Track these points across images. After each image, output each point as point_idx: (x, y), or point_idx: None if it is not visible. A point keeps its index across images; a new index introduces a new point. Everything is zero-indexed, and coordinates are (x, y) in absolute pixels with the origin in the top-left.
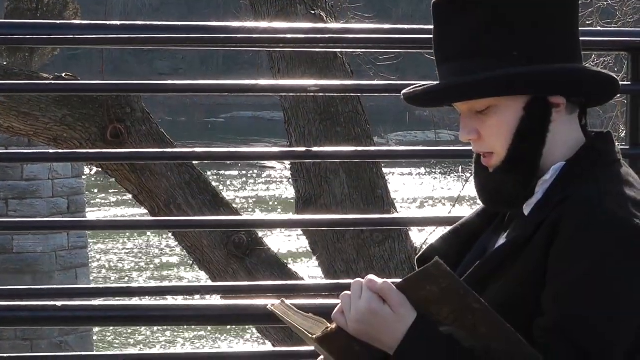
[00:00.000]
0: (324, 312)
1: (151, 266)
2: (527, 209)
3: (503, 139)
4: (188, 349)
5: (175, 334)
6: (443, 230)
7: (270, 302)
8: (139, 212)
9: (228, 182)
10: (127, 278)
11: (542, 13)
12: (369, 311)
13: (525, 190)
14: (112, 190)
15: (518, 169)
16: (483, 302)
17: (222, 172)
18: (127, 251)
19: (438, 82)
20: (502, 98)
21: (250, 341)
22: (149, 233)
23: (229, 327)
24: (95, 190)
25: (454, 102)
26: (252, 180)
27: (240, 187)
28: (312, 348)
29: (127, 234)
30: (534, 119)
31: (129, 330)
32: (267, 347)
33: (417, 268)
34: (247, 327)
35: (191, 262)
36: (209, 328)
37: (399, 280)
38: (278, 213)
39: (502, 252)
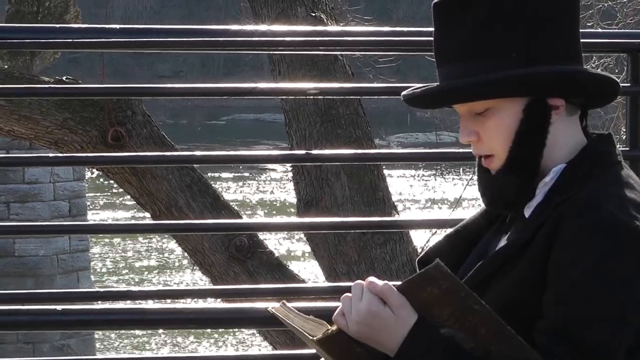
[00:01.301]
0: (325, 315)
1: (152, 269)
2: (527, 211)
3: (502, 140)
4: (188, 352)
5: (146, 338)
6: (444, 232)
7: (271, 305)
8: (140, 216)
9: (229, 185)
10: (128, 281)
11: (541, 14)
12: (369, 313)
13: (526, 192)
14: (107, 193)
15: (519, 171)
16: (484, 304)
17: (223, 174)
18: (128, 254)
19: (438, 84)
20: (501, 100)
21: (220, 344)
22: (150, 236)
23: (197, 330)
24: (97, 194)
25: (453, 104)
26: (253, 183)
27: (241, 190)
28: (313, 351)
29: (129, 237)
30: (533, 120)
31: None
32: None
33: (418, 270)
34: (222, 331)
35: (192, 265)
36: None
37: (400, 283)
38: (279, 215)
39: (503, 254)
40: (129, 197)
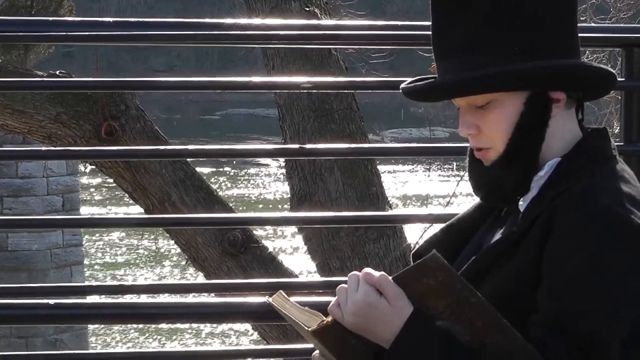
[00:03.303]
0: (318, 310)
1: (146, 264)
2: (522, 205)
3: (503, 134)
4: (186, 346)
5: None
6: (438, 227)
7: (265, 299)
8: (133, 210)
9: (222, 180)
10: (121, 276)
11: (542, 8)
12: (365, 304)
13: (524, 184)
14: (104, 187)
15: (517, 164)
16: (480, 296)
17: (216, 169)
18: (121, 249)
19: (442, 77)
20: (503, 93)
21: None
22: (143, 230)
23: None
24: (91, 189)
25: (458, 97)
26: (246, 178)
27: (235, 185)
28: (305, 345)
29: (122, 232)
30: (535, 114)
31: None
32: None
33: (412, 264)
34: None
35: (186, 260)
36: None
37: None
38: (272, 210)
39: (497, 248)
40: (122, 192)
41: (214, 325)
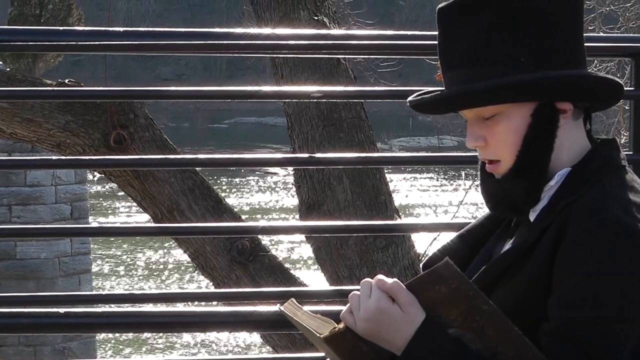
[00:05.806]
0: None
1: (154, 273)
2: (532, 215)
3: (511, 145)
4: (191, 356)
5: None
6: (447, 236)
7: (275, 308)
8: (142, 219)
9: (231, 188)
10: (130, 284)
11: (548, 19)
12: (378, 310)
13: (534, 195)
14: (111, 195)
15: (527, 175)
16: (492, 304)
17: (225, 178)
18: (130, 257)
19: (447, 89)
20: (509, 104)
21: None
22: (152, 239)
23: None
24: (100, 198)
25: (463, 109)
26: (255, 186)
27: (244, 193)
28: (317, 354)
29: (130, 240)
30: (542, 125)
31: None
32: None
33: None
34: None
35: (194, 269)
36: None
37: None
38: (281, 219)
39: (508, 257)
40: (131, 201)
41: (220, 334)
